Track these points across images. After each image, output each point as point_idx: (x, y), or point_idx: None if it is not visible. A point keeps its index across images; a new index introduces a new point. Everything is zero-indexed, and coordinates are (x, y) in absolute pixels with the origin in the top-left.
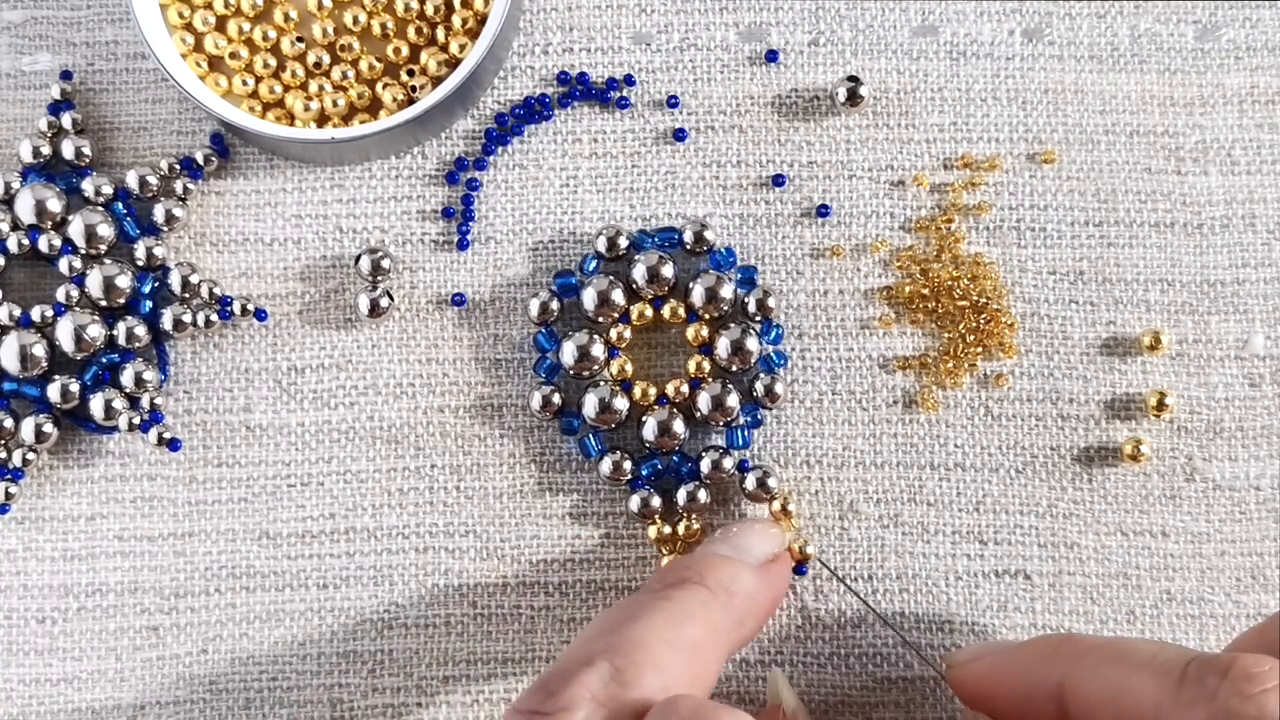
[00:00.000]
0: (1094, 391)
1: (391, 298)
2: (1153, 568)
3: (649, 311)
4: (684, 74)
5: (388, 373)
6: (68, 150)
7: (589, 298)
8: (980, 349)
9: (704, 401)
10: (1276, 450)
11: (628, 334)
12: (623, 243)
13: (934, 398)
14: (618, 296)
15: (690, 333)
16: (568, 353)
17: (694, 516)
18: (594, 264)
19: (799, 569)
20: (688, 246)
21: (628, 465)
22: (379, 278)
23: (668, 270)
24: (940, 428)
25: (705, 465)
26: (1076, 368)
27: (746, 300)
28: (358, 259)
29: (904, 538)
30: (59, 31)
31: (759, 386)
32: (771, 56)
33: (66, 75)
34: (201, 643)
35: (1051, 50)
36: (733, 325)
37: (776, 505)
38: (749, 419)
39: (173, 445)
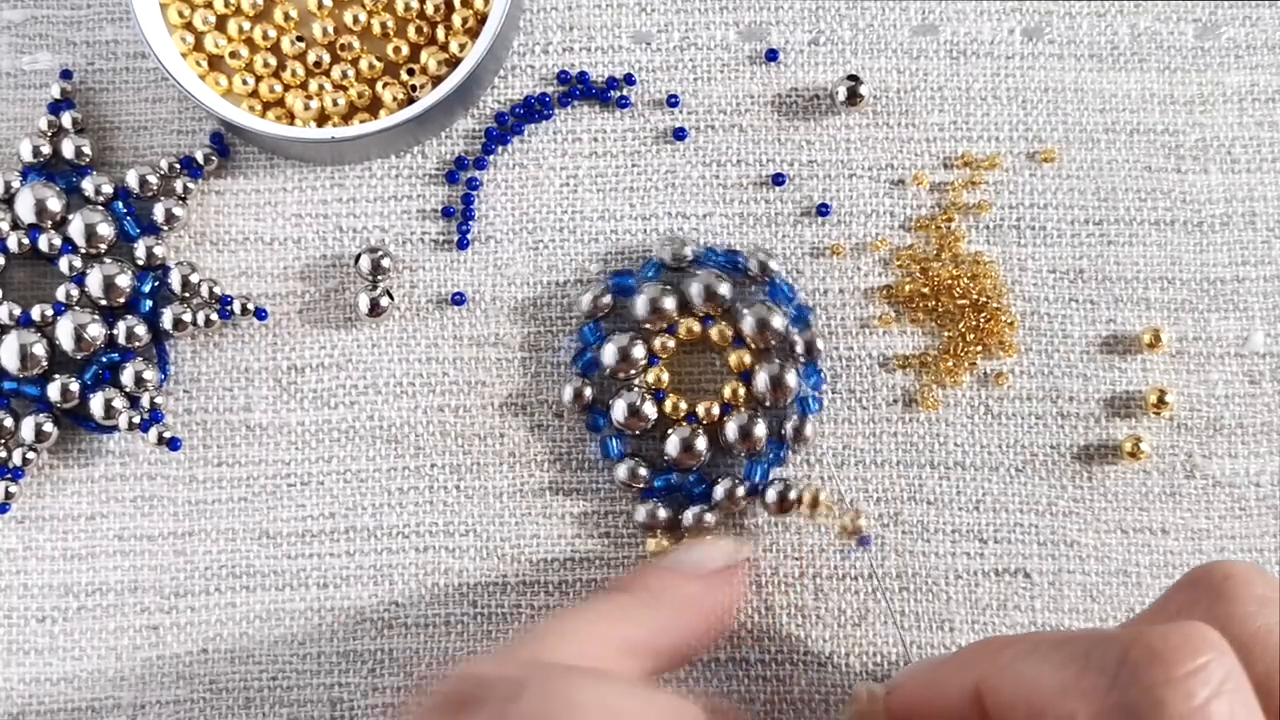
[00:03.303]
0: (1094, 389)
1: (391, 297)
2: (1153, 565)
3: (697, 328)
4: (684, 73)
5: (388, 373)
6: (68, 150)
7: (641, 302)
8: (980, 348)
9: (731, 428)
10: (1276, 447)
11: (671, 344)
12: (688, 253)
13: (934, 396)
14: (669, 305)
15: (733, 358)
16: (609, 351)
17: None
18: (654, 271)
19: (863, 541)
20: (750, 273)
21: (644, 472)
22: (379, 277)
23: (725, 289)
24: (940, 426)
25: (719, 491)
26: (1076, 366)
27: (795, 339)
28: (358, 258)
29: (904, 536)
30: (59, 31)
31: (788, 427)
32: (771, 56)
33: (66, 75)
34: (201, 642)
35: (1051, 49)
36: (776, 360)
37: (805, 506)
38: (772, 455)
39: (173, 445)
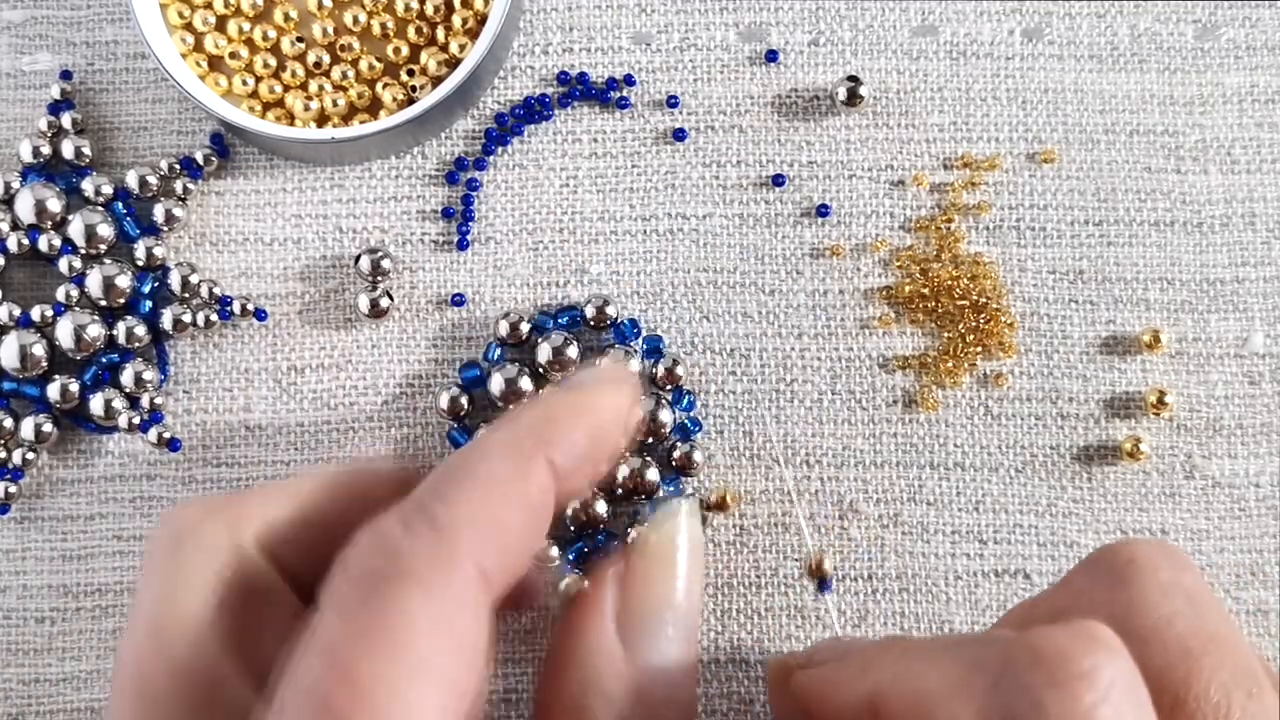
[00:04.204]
0: (1093, 390)
1: (391, 298)
2: None
3: None
4: (684, 74)
5: (387, 373)
6: (68, 150)
7: (496, 386)
8: (980, 348)
9: (622, 476)
10: (1275, 448)
11: None
12: (524, 328)
13: (934, 397)
14: (525, 382)
15: None
16: None
17: None
18: (497, 351)
19: (823, 585)
20: (591, 323)
21: (554, 552)
22: (379, 278)
23: (573, 350)
24: (940, 427)
25: (632, 537)
26: (1076, 366)
27: (655, 370)
28: (358, 259)
29: (904, 537)
30: (59, 31)
31: (677, 455)
32: (771, 56)
33: (66, 75)
34: None
35: (1051, 50)
36: (644, 398)
37: (713, 508)
38: (672, 489)
39: (172, 445)
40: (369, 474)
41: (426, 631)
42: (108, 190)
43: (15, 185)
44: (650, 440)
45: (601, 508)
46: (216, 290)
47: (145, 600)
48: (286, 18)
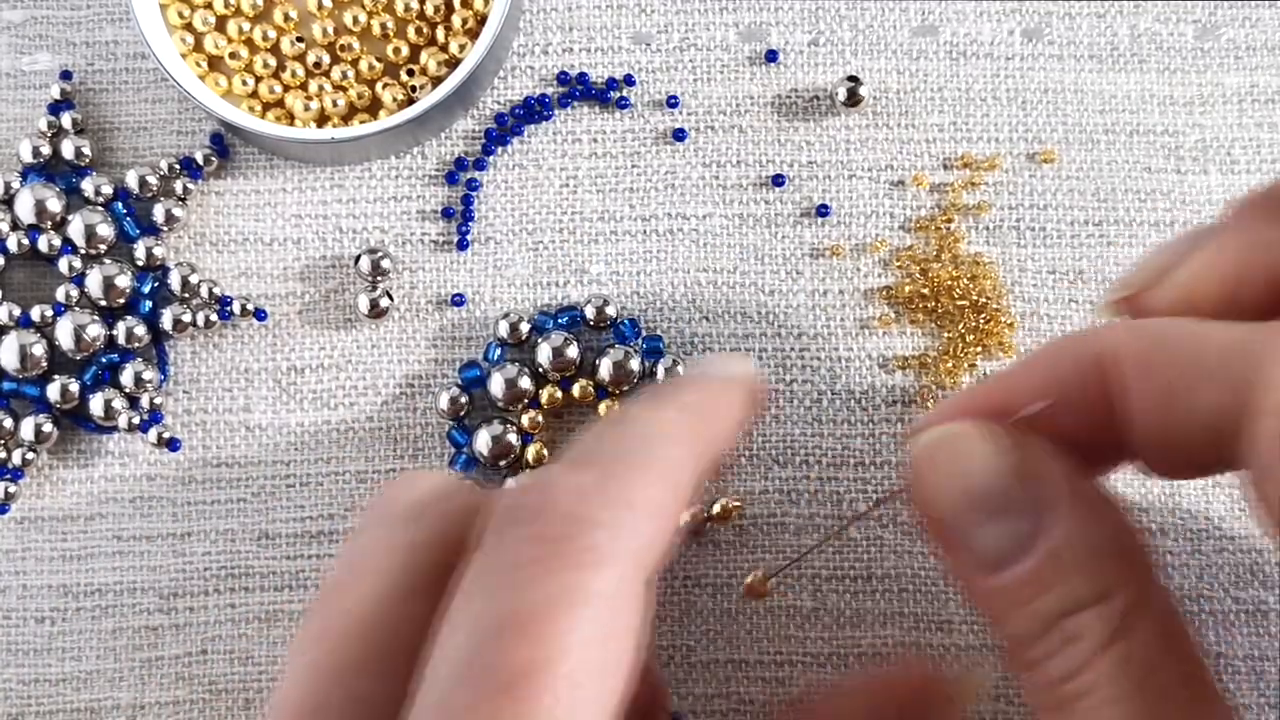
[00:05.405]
0: None
1: (391, 298)
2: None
3: (559, 394)
4: (684, 74)
5: (387, 373)
6: (67, 150)
7: (496, 386)
8: (980, 348)
9: None
10: None
11: (540, 419)
12: (524, 328)
13: (934, 397)
14: (525, 383)
15: (602, 409)
16: (482, 443)
17: None
18: (498, 352)
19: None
20: (590, 323)
21: None
22: (379, 278)
23: (572, 351)
24: None
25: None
26: None
27: (655, 370)
28: (358, 259)
29: (903, 537)
30: (59, 31)
31: None
32: (771, 56)
33: (66, 75)
34: (200, 643)
35: (1051, 50)
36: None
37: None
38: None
39: (172, 445)
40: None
41: (605, 609)
42: (108, 190)
43: (15, 185)
44: None
45: None
46: (216, 290)
47: (373, 566)
48: (286, 18)
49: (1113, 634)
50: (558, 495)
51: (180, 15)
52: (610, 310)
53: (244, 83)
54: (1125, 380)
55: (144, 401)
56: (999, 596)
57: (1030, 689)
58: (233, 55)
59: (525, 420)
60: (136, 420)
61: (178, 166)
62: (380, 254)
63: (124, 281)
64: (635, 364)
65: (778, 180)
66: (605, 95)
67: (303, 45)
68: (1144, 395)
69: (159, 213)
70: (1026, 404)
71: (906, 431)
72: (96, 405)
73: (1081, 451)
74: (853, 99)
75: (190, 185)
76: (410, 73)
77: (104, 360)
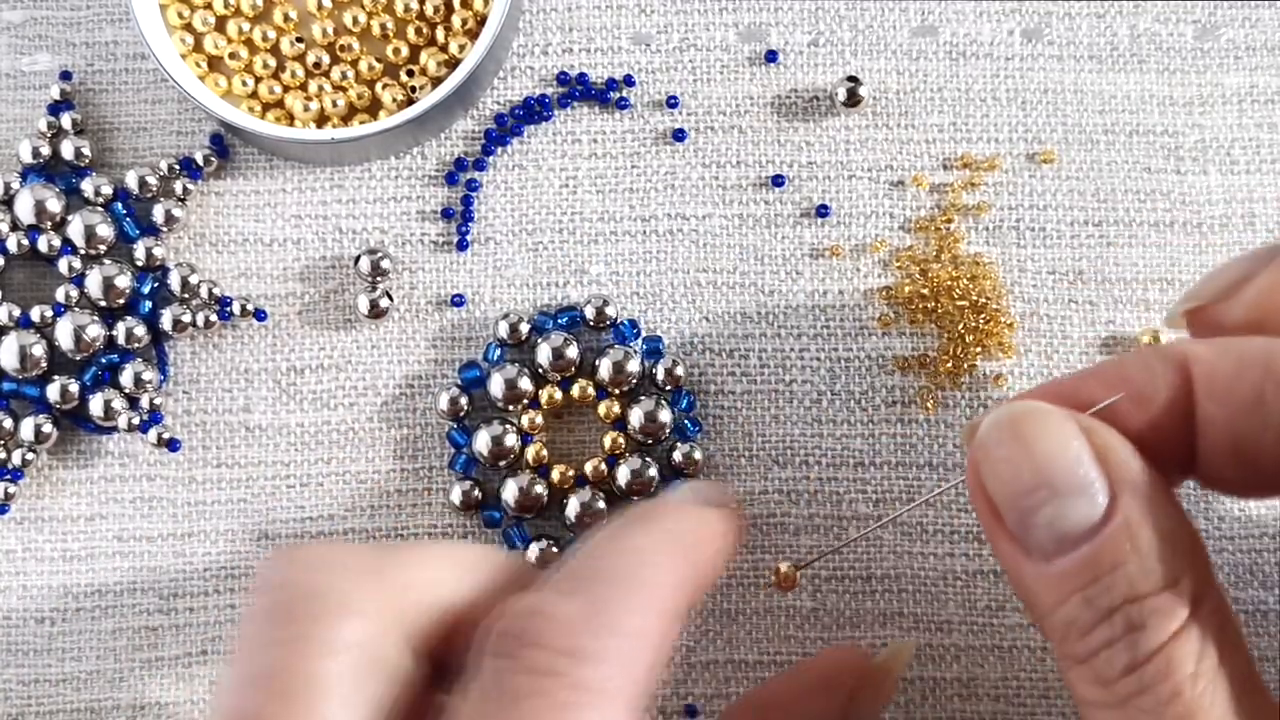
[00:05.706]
0: None
1: (391, 298)
2: None
3: (558, 394)
4: (684, 74)
5: (387, 373)
6: (67, 150)
7: (496, 386)
8: (980, 349)
9: (623, 477)
10: None
11: (539, 419)
12: (524, 328)
13: (933, 398)
14: (525, 383)
15: (602, 410)
16: (481, 444)
17: None
18: (498, 352)
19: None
20: (590, 323)
21: (555, 550)
22: (379, 278)
23: (572, 351)
24: (939, 428)
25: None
26: (1076, 367)
27: (654, 371)
28: (357, 259)
29: (902, 538)
30: (59, 31)
31: (677, 455)
32: (771, 57)
33: (66, 75)
34: (201, 643)
35: (1051, 50)
36: (644, 398)
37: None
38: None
39: (172, 445)
40: (515, 567)
41: None
42: (107, 191)
43: (15, 185)
44: (650, 440)
45: (602, 506)
46: (216, 290)
47: (268, 659)
48: (286, 18)
49: (1185, 621)
50: (545, 627)
51: (180, 15)
52: (610, 310)
53: (244, 83)
54: (1210, 391)
55: (144, 402)
56: (1056, 582)
57: (1080, 685)
58: (232, 56)
59: (525, 421)
60: (136, 420)
61: (177, 167)
62: (380, 254)
63: (124, 282)
64: (635, 364)
65: (777, 180)
66: (605, 96)
67: (302, 46)
68: (1226, 407)
69: (159, 213)
70: (1101, 397)
71: (969, 426)
72: (96, 406)
73: (1148, 459)
74: (852, 99)
75: (190, 185)
76: (410, 73)
77: (104, 361)
